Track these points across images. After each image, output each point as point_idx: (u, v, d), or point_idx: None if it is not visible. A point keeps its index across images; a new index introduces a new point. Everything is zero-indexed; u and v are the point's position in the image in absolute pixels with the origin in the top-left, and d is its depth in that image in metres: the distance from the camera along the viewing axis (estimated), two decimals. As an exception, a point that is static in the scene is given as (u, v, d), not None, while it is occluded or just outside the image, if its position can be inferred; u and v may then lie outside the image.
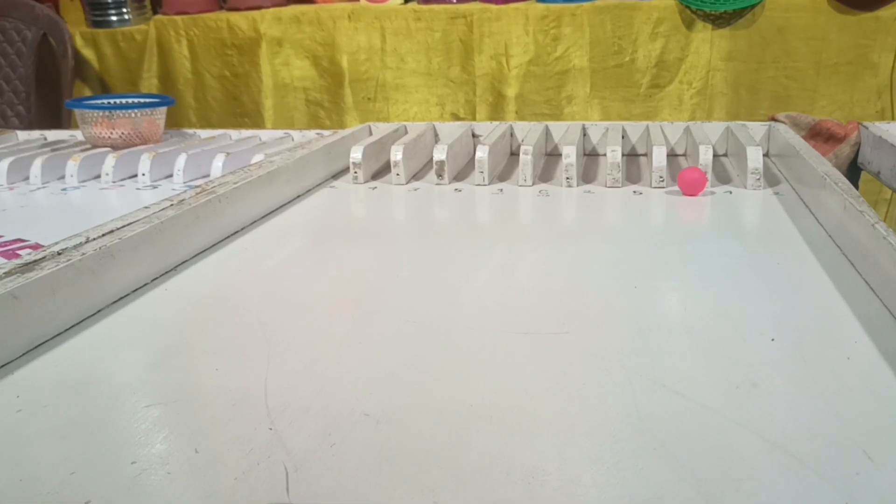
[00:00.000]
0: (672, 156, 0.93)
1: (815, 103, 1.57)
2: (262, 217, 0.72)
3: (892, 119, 1.55)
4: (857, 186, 0.96)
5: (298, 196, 0.80)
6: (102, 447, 0.34)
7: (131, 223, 0.55)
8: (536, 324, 0.46)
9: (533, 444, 0.33)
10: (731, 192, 0.76)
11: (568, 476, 0.31)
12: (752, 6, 1.51)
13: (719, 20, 1.53)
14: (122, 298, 0.51)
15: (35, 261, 0.46)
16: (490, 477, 0.31)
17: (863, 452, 0.31)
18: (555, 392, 0.38)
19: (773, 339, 0.43)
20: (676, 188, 0.77)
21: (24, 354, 0.43)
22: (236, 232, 0.67)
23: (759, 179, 0.76)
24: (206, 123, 1.79)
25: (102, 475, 0.32)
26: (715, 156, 0.87)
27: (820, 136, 0.94)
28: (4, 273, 0.44)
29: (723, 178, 0.82)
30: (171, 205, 0.60)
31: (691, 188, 0.74)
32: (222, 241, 0.64)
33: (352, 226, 0.74)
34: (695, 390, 0.37)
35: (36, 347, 0.44)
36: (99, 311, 0.49)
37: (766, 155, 0.92)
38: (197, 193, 0.64)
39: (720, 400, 0.36)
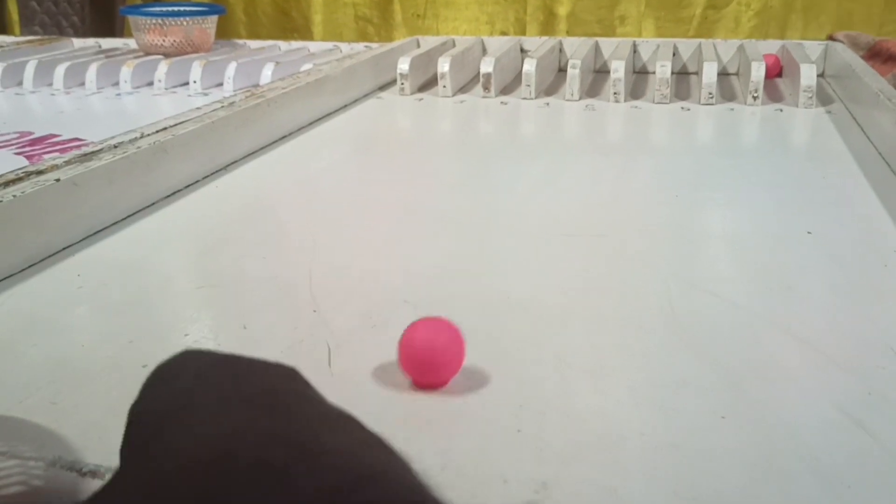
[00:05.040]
0: (724, 74, 0.91)
1: (882, 28, 1.51)
2: (309, 124, 0.73)
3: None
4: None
5: (345, 105, 0.80)
6: (157, 321, 0.36)
7: (184, 122, 0.56)
8: (575, 227, 0.47)
9: (564, 332, 0.34)
10: (781, 110, 0.75)
11: (595, 360, 0.32)
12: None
13: (783, -63, 1.47)
14: (175, 193, 0.53)
15: (94, 152, 0.48)
16: (520, 359, 0.32)
17: (889, 348, 0.32)
18: (589, 289, 0.39)
19: (809, 233, 0.44)
20: (725, 105, 0.76)
21: (83, 239, 0.45)
22: (284, 137, 0.68)
23: (811, 98, 0.74)
24: (256, 38, 1.78)
25: (158, 344, 0.34)
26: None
27: (879, 56, 0.91)
28: (65, 162, 0.46)
29: (774, 96, 0.81)
30: (222, 106, 0.61)
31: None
32: (270, 144, 0.65)
33: (396, 136, 0.75)
34: (729, 291, 0.38)
35: (95, 233, 0.46)
36: (153, 203, 0.51)
37: (821, 75, 0.90)
38: (247, 97, 0.65)
39: (754, 300, 0.37)
